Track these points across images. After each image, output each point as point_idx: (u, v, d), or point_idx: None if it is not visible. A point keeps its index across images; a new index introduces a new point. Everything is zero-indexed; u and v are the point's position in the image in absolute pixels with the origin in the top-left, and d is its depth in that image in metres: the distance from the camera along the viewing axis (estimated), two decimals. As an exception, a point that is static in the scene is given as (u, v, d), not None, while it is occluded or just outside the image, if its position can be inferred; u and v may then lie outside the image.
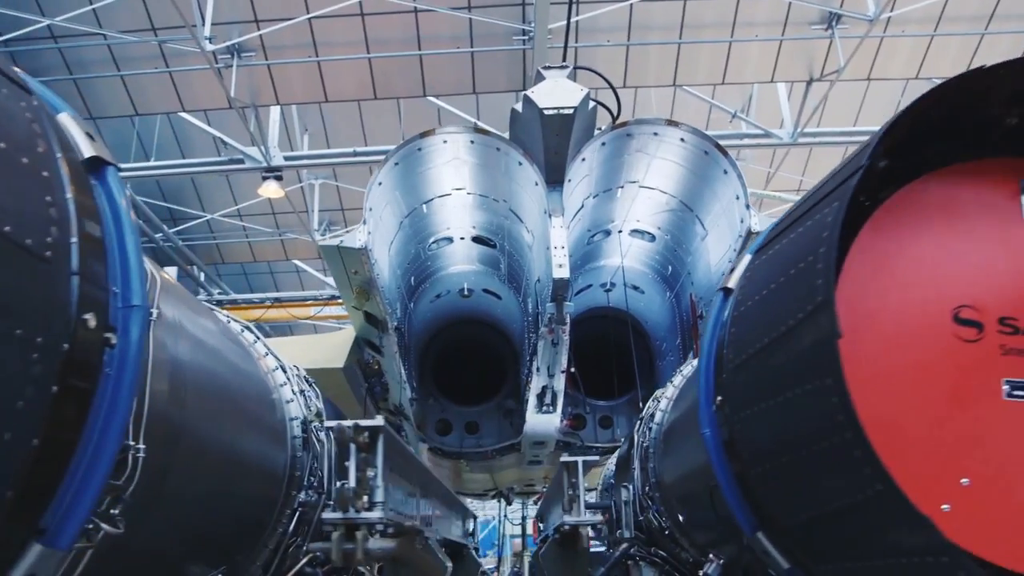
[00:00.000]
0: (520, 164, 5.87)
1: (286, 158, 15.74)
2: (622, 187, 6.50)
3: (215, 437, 2.74)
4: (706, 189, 6.25)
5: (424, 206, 6.60)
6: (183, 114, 15.40)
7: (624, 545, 5.07)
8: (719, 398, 2.81)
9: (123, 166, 15.82)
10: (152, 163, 16.10)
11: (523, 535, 18.00)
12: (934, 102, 2.13)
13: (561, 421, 7.57)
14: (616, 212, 6.90)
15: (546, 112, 5.26)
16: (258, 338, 3.94)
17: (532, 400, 6.90)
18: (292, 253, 20.51)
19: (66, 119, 2.19)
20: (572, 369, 6.62)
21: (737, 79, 15.02)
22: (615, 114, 6.38)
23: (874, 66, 14.73)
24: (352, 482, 2.41)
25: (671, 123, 5.83)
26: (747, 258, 2.83)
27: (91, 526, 2.03)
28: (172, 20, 12.54)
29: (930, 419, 2.07)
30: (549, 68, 5.36)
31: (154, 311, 2.24)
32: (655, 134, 5.89)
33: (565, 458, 5.30)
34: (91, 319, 1.84)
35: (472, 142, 5.99)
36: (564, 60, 12.94)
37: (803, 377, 2.09)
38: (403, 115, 16.51)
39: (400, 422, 9.27)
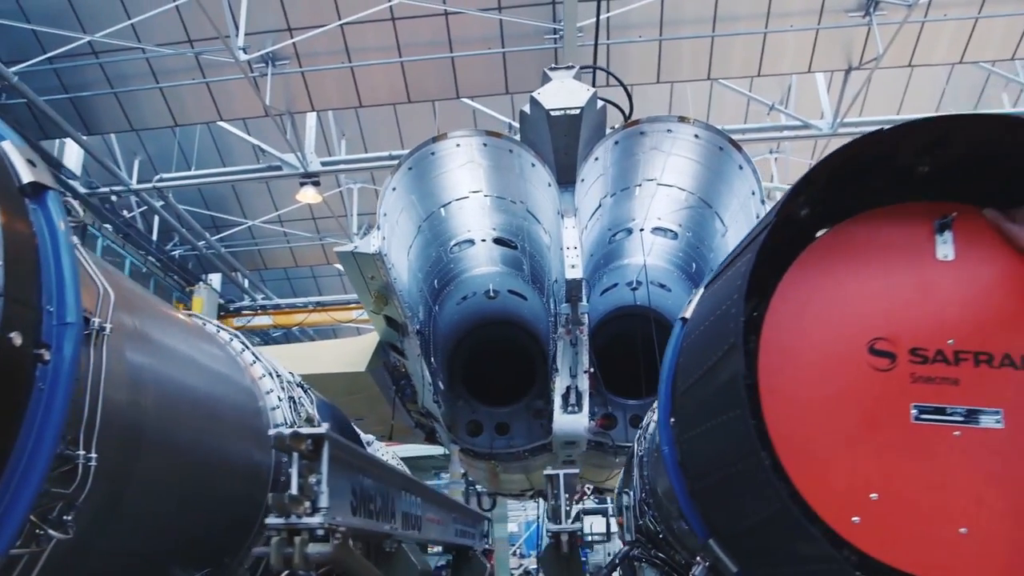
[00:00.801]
0: (533, 166, 5.84)
1: (323, 163, 15.91)
2: (640, 185, 6.42)
3: (187, 443, 2.80)
4: (723, 185, 6.14)
5: (442, 209, 6.60)
6: (222, 123, 15.65)
7: (625, 547, 5.09)
8: (672, 419, 3.08)
9: (165, 176, 16.22)
10: (193, 172, 16.39)
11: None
12: (845, 158, 2.40)
13: (591, 421, 7.50)
14: (636, 210, 6.83)
15: (553, 113, 5.22)
16: (246, 347, 4.00)
17: (557, 401, 6.85)
18: (333, 257, 20.74)
19: (8, 147, 2.29)
20: (590, 369, 6.57)
21: (773, 71, 14.77)
22: (627, 112, 6.31)
23: (915, 52, 14.35)
24: (294, 488, 2.44)
25: (684, 119, 5.74)
26: (700, 291, 3.11)
27: (41, 532, 2.13)
28: (208, 32, 12.77)
29: (845, 441, 2.31)
30: (555, 69, 5.32)
31: (107, 325, 2.32)
32: (669, 131, 5.80)
33: (548, 471, 5.31)
34: (17, 337, 1.93)
35: (485, 145, 5.98)
36: (595, 58, 12.92)
37: (722, 407, 2.42)
38: (438, 117, 16.58)
39: (432, 424, 9.31)
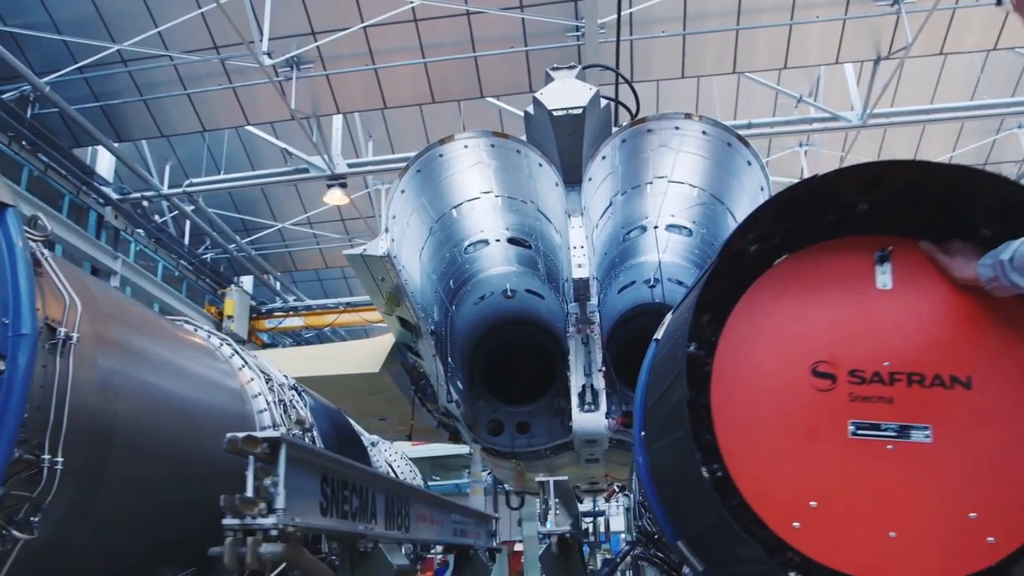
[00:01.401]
0: (540, 165, 5.80)
1: (349, 165, 16.04)
2: (651, 183, 6.35)
3: (164, 446, 2.88)
4: (733, 181, 6.05)
5: (454, 211, 6.58)
6: (249, 127, 15.84)
7: (626, 547, 5.14)
8: (643, 432, 3.30)
9: (195, 180, 16.45)
10: (222, 176, 16.62)
11: (595, 532, 17.92)
12: (788, 199, 2.66)
13: (610, 419, 7.45)
14: (649, 208, 6.75)
15: (555, 113, 5.19)
16: (236, 352, 4.05)
17: (574, 400, 6.81)
18: (364, 258, 20.87)
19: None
20: (602, 368, 6.52)
21: (800, 63, 14.57)
22: (634, 110, 6.28)
23: (947, 40, 14.05)
24: (249, 491, 2.50)
25: (690, 116, 5.67)
26: (670, 315, 3.37)
27: (5, 533, 2.21)
28: (233, 38, 12.93)
29: (788, 455, 2.54)
30: (557, 69, 5.29)
31: (74, 335, 2.37)
32: (676, 128, 5.72)
33: (540, 478, 5.35)
34: (-32, 348, 1.97)
35: (492, 145, 5.94)
36: (617, 54, 12.86)
37: (674, 426, 2.68)
38: (464, 117, 16.62)
39: (454, 424, 9.32)
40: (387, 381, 8.95)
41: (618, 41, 13.27)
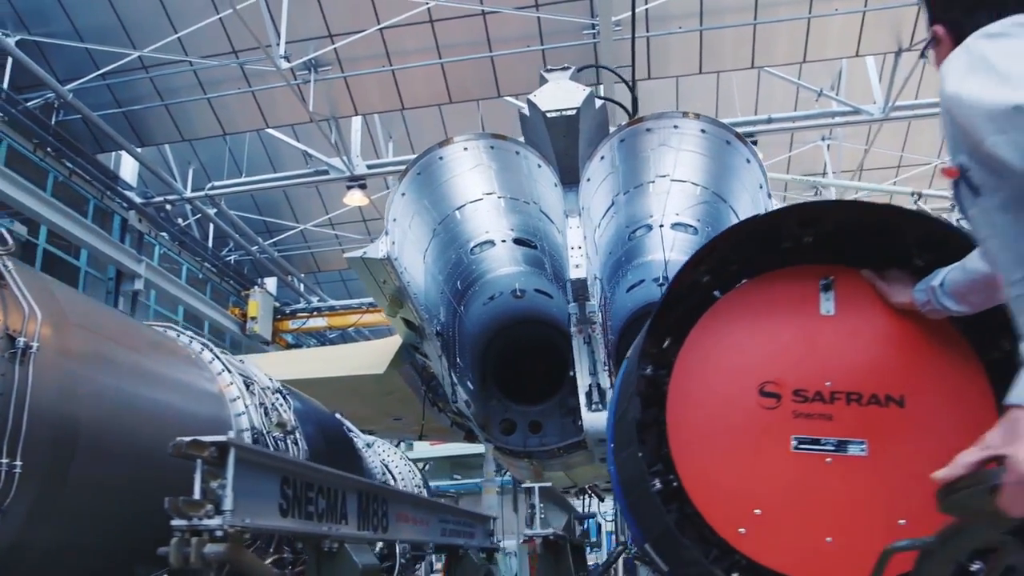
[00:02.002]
0: (539, 167, 5.82)
1: (368, 166, 16.11)
2: (653, 182, 6.33)
3: (135, 448, 2.96)
4: (733, 179, 6.03)
5: (457, 212, 6.61)
6: (269, 130, 15.98)
7: (619, 547, 5.23)
8: (612, 444, 3.55)
9: (216, 183, 16.65)
10: (242, 179, 16.78)
11: (616, 531, 17.85)
12: (736, 235, 2.99)
13: (621, 418, 7.41)
14: (653, 207, 6.73)
15: (549, 115, 5.20)
16: (216, 357, 4.12)
17: (582, 399, 6.82)
18: (386, 258, 20.97)
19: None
20: (607, 367, 6.52)
21: (819, 56, 14.41)
22: (632, 110, 6.24)
23: (970, 30, 13.82)
24: (196, 493, 2.61)
25: (687, 115, 5.66)
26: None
27: None
28: (251, 42, 13.05)
29: (737, 466, 2.78)
30: (551, 70, 5.29)
31: (34, 344, 2.45)
32: (675, 127, 5.71)
33: (526, 484, 5.46)
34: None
35: (492, 147, 5.97)
36: (633, 52, 12.81)
37: (629, 441, 2.95)
38: (483, 116, 16.64)
39: (467, 423, 9.35)
40: (399, 382, 9.01)
41: (633, 38, 13.21)
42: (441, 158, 6.06)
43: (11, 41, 13.16)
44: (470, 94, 15.29)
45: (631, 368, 3.18)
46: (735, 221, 6.29)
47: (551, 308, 8.29)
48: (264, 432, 4.00)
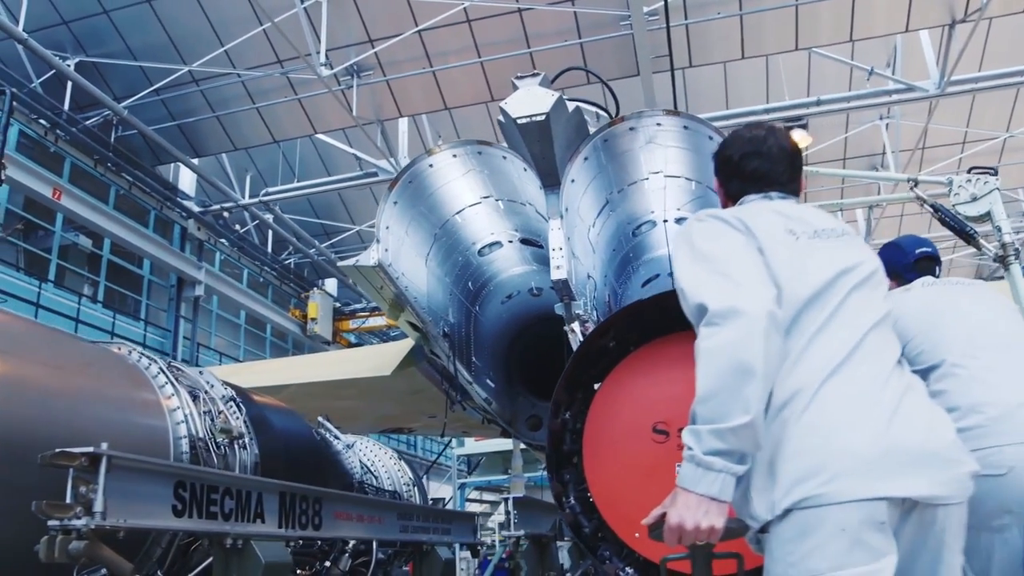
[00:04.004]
0: (525, 170, 5.87)
1: (415, 167, 16.28)
2: (647, 178, 6.29)
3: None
4: (720, 173, 5.98)
5: (457, 216, 6.69)
6: (320, 135, 16.35)
7: None
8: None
9: (270, 189, 17.13)
10: (295, 184, 17.23)
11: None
12: (630, 312, 4.06)
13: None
14: (653, 203, 6.69)
15: (519, 121, 5.22)
16: (161, 370, 4.33)
17: (596, 396, 6.81)
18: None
19: None
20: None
21: (867, 34, 13.91)
22: (613, 111, 6.18)
23: (1028, -4, 13.15)
24: (68, 498, 2.91)
25: (669, 112, 5.61)
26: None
27: None
28: (295, 51, 13.41)
29: (635, 488, 3.57)
30: (522, 77, 5.30)
31: None
32: (658, 124, 5.66)
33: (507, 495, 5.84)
34: None
35: (480, 153, 6.04)
36: (669, 41, 12.65)
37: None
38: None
39: (496, 420, 9.43)
40: (424, 381, 9.16)
41: (668, 27, 13.07)
42: (431, 166, 6.16)
43: (70, 64, 13.84)
44: (511, 91, 15.27)
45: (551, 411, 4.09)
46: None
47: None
48: (208, 439, 4.24)
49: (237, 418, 4.63)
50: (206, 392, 4.56)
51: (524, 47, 14.57)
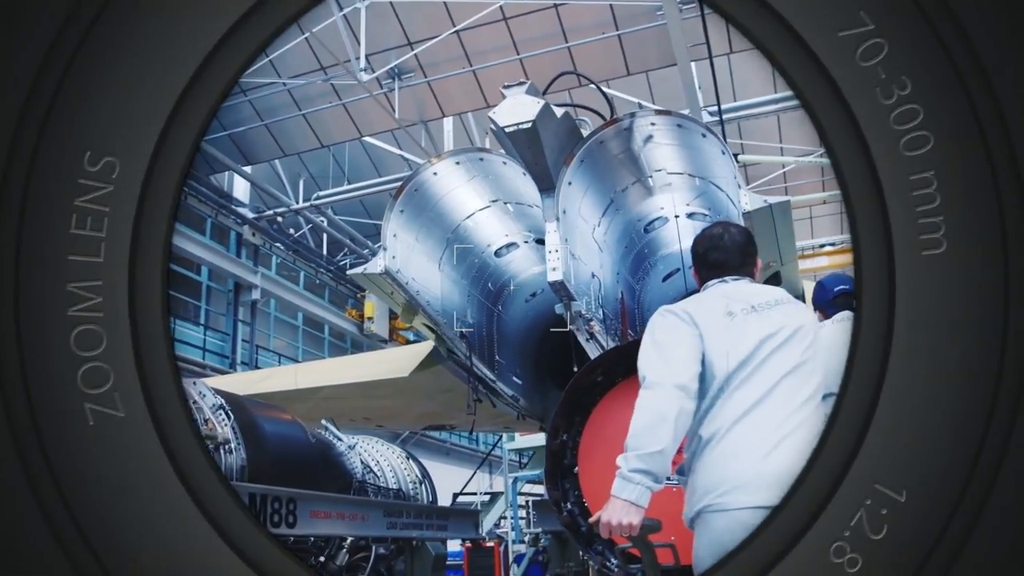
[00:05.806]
0: (524, 175, 5.98)
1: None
2: (651, 176, 6.33)
3: None
4: (717, 169, 5.96)
5: (468, 220, 6.84)
6: (367, 138, 16.67)
7: None
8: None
9: (321, 193, 17.55)
10: (345, 187, 17.60)
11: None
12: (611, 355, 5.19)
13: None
14: (661, 200, 6.72)
15: (507, 130, 5.32)
16: None
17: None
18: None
19: None
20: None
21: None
22: (609, 112, 6.17)
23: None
24: None
25: (660, 112, 5.65)
26: None
27: None
28: (336, 57, 13.74)
29: None
30: (509, 86, 5.39)
31: None
32: (653, 123, 5.71)
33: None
34: None
35: (481, 159, 6.23)
36: (705, 30, 12.51)
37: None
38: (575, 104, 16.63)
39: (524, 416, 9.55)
40: (454, 380, 9.31)
41: (703, 14, 12.95)
42: (435, 174, 6.30)
43: (123, 79, 14.40)
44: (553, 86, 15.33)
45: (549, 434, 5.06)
46: (732, 208, 6.22)
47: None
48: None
49: (224, 425, 4.88)
50: (194, 402, 4.81)
51: (561, 42, 14.61)
